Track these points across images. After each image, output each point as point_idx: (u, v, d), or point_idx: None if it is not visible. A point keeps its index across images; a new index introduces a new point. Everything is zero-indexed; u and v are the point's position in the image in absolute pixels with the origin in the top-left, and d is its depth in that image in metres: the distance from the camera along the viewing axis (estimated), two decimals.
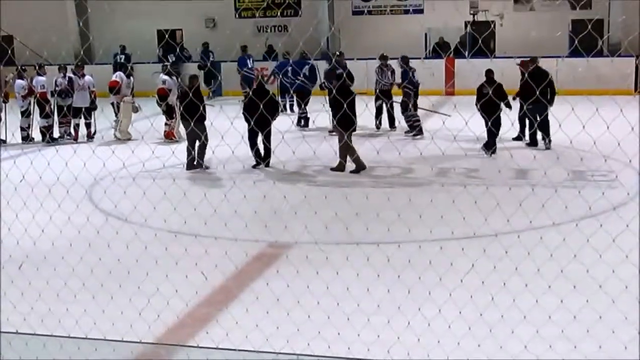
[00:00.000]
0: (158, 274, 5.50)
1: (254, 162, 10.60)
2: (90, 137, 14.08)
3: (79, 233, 5.93)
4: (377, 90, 13.64)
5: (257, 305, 5.04)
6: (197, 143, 9.99)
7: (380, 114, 13.77)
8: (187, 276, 5.50)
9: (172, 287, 5.20)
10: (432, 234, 5.98)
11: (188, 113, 9.80)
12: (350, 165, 9.91)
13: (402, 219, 6.25)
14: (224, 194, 5.83)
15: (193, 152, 9.97)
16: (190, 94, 9.86)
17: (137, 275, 5.60)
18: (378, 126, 13.79)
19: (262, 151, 10.60)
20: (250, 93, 10.15)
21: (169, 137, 13.48)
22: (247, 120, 9.94)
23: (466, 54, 18.36)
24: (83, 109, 14.16)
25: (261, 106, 9.60)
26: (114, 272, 5.73)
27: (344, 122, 9.25)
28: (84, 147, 12.18)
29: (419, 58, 17.55)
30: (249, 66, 17.94)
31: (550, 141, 11.17)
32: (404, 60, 13.25)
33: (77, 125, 14.16)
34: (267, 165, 10.64)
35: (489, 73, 11.09)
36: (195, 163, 10.16)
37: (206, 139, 9.88)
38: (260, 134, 10.41)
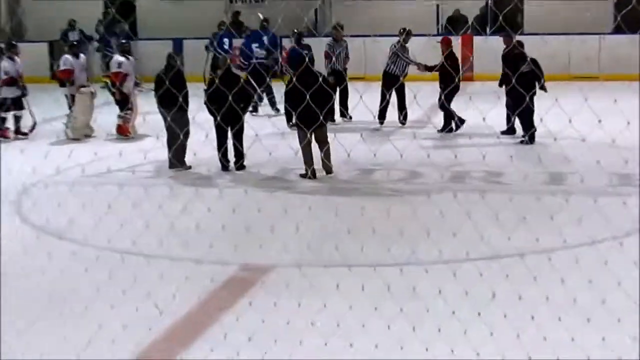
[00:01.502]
0: (101, 306, 5.49)
1: (222, 165, 10.71)
2: (20, 133, 13.95)
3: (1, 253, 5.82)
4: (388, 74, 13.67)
5: (225, 345, 5.00)
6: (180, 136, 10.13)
7: (386, 101, 13.60)
8: (138, 309, 5.44)
9: (118, 322, 5.13)
10: (442, 254, 5.99)
11: (167, 100, 10.04)
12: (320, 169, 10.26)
13: (406, 236, 6.29)
14: (184, 204, 5.75)
15: (174, 148, 10.37)
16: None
17: (74, 307, 5.53)
18: (381, 121, 13.88)
19: (232, 152, 10.81)
20: (217, 80, 10.05)
21: (123, 133, 13.42)
22: (212, 113, 10.05)
23: (487, 30, 18.36)
24: (9, 100, 13.79)
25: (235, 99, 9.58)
26: (45, 304, 5.64)
27: (305, 116, 9.38)
28: (15, 146, 12.21)
29: (428, 35, 17.28)
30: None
31: (529, 137, 11.75)
32: (297, 38, 14.26)
33: (2, 120, 13.88)
34: (239, 168, 10.72)
35: (519, 47, 11.65)
36: (180, 160, 10.66)
37: (187, 133, 10.16)
38: (230, 131, 10.58)
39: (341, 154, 9.65)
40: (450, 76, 12.06)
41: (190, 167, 10.82)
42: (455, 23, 20.55)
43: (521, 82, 10.18)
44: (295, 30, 14.98)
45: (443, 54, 12.76)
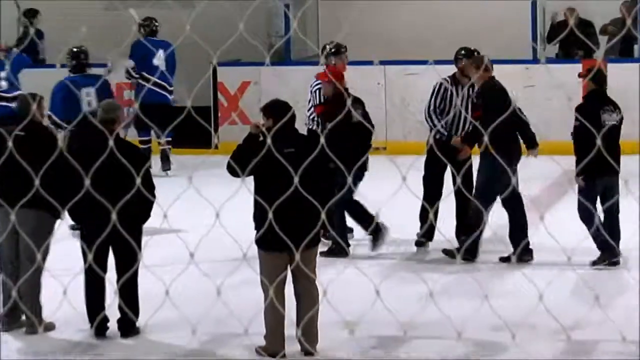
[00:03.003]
0: None
1: (96, 328, 8.93)
2: None
3: None
4: (434, 142, 10.91)
5: None
6: (28, 264, 8.77)
7: (436, 203, 10.95)
8: None
9: None
10: None
11: (11, 188, 8.68)
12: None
13: None
14: None
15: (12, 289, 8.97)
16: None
17: None
18: (422, 240, 11.04)
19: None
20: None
21: None
22: (79, 222, 8.77)
23: (636, 50, 15.67)
24: None
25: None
26: None
27: (269, 234, 7.75)
28: None
29: (520, 62, 14.69)
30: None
31: (523, 254, 10.33)
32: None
33: None
34: (128, 333, 8.88)
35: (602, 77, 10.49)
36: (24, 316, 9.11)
37: (44, 255, 8.71)
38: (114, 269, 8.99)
39: (336, 313, 7.39)
40: (345, 136, 9.76)
41: (52, 327, 8.97)
42: (571, 39, 15.95)
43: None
44: None
45: (329, 98, 10.68)
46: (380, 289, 7.21)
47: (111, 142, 8.32)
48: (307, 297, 8.28)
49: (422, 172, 10.86)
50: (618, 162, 9.74)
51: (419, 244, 10.92)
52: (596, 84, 10.22)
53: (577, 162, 10.02)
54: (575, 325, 8.58)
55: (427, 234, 10.80)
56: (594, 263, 10.16)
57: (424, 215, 10.85)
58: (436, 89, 10.97)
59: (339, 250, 10.77)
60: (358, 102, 10.89)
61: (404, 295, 9.25)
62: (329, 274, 8.99)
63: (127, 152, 8.67)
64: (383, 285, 8.33)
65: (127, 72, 14.68)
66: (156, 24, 14.37)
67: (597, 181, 9.83)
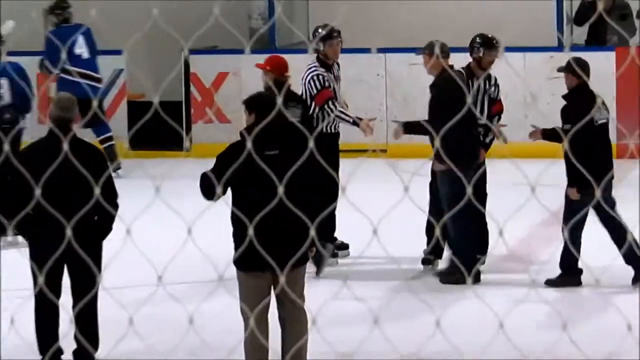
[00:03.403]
0: None
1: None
2: None
3: None
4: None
5: None
6: None
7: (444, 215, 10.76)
8: None
9: None
10: None
11: None
12: None
13: None
14: None
15: None
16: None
17: None
18: (429, 258, 10.63)
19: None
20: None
21: None
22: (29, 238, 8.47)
23: None
24: None
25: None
26: None
27: (249, 251, 7.03)
28: None
29: (544, 49, 14.17)
30: None
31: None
32: None
33: None
34: None
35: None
36: None
37: None
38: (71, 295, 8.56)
39: (327, 343, 7.30)
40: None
41: None
42: (600, 19, 15.18)
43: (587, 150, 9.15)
44: None
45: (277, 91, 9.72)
46: (378, 315, 7.92)
47: (66, 145, 7.70)
48: (294, 325, 7.89)
49: (428, 179, 10.45)
50: (612, 165, 9.49)
51: (425, 262, 10.48)
52: (581, 78, 9.74)
53: (569, 170, 9.53)
54: (608, 357, 7.88)
55: (434, 250, 10.36)
56: (548, 282, 9.69)
57: (430, 229, 10.33)
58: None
59: (321, 259, 10.06)
60: (297, 101, 10.34)
61: (406, 321, 8.97)
62: (319, 298, 8.33)
63: (85, 155, 8.12)
64: (382, 310, 8.73)
65: (44, 68, 14.12)
66: (70, 10, 13.86)
67: (592, 189, 9.28)
